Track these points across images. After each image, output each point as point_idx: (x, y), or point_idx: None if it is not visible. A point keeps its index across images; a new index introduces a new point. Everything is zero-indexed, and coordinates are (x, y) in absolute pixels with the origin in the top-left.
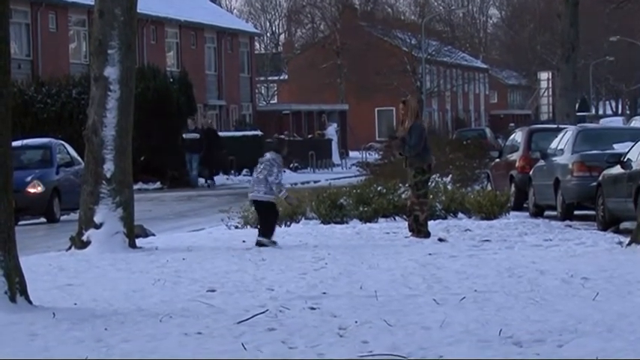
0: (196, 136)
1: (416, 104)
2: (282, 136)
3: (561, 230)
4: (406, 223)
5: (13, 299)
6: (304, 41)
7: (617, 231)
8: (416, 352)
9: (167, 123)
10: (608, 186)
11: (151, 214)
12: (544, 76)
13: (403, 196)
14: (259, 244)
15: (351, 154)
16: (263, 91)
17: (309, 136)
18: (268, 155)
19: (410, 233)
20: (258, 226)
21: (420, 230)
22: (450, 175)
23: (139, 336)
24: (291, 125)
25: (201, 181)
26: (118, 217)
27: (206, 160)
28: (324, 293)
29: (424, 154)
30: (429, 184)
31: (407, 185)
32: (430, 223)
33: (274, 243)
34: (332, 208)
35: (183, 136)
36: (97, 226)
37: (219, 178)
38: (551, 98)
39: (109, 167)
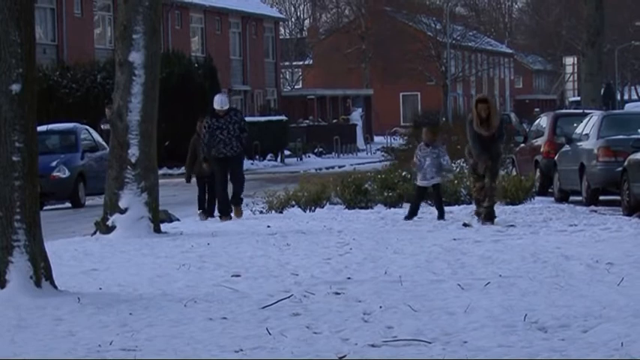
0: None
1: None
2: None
3: (586, 215)
4: (432, 208)
5: (38, 284)
6: (329, 26)
7: None
8: (440, 338)
9: (192, 108)
10: (633, 171)
11: (175, 199)
12: (569, 61)
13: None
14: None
15: (376, 138)
16: (288, 76)
17: (334, 120)
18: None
19: (477, 218)
20: (439, 207)
21: (491, 216)
22: None
23: (164, 321)
24: (315, 110)
25: None
26: (142, 202)
27: None
28: (349, 278)
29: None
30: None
31: (476, 174)
32: (455, 208)
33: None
34: (356, 193)
35: (101, 126)
36: (122, 211)
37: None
38: (576, 83)
39: (133, 152)
